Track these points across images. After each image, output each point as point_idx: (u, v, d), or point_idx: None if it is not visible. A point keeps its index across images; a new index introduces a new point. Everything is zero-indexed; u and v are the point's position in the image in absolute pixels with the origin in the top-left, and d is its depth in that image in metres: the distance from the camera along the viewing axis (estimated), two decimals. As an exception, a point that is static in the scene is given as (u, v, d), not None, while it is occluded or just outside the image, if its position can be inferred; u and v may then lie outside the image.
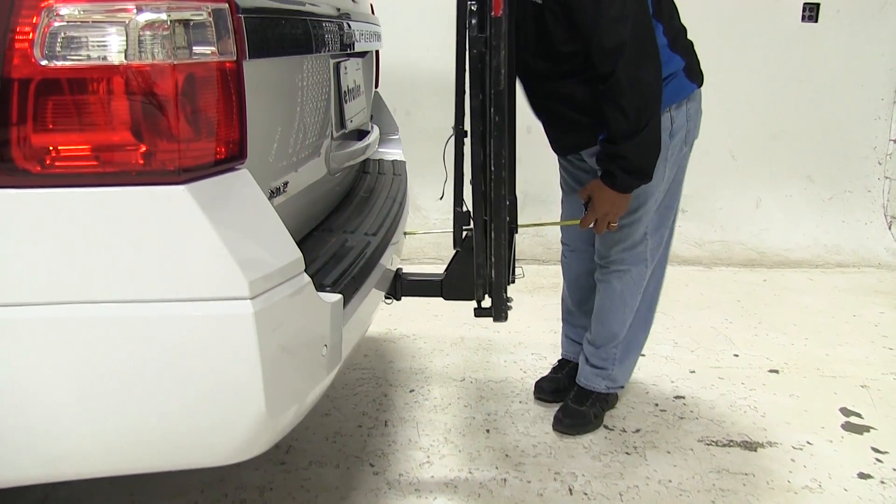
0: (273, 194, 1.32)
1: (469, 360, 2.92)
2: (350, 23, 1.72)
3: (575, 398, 2.45)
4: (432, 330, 3.17)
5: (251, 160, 1.16)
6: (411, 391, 2.66)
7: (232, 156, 1.10)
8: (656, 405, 2.60)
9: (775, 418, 2.51)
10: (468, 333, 3.14)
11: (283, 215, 1.20)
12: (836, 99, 4.41)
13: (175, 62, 0.99)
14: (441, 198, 2.22)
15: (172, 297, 1.02)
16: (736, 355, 3.03)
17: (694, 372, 2.87)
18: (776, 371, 2.89)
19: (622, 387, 2.52)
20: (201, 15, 1.03)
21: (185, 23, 1.01)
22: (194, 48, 1.03)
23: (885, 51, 4.36)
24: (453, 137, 1.58)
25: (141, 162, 1.00)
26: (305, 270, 1.20)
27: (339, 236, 1.65)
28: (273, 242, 1.12)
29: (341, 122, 1.79)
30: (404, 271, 2.07)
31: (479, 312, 1.45)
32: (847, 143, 4.48)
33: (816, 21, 4.28)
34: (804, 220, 4.51)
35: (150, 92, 0.98)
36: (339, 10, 1.65)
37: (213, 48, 1.05)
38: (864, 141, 4.49)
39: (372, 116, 2.43)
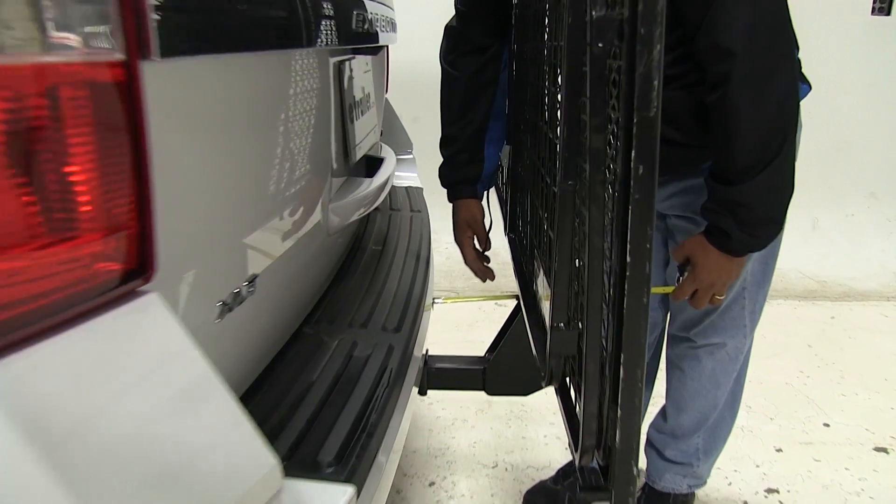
0: (227, 308, 0.72)
1: (501, 436, 2.33)
2: (365, 1, 1.12)
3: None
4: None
5: (172, 264, 0.56)
6: (431, 484, 2.07)
7: (125, 272, 0.50)
8: (746, 504, 2.02)
9: (905, 526, 1.93)
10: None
11: (245, 326, 0.61)
12: (907, 104, 3.84)
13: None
14: (484, 251, 1.63)
15: None
16: (826, 425, 2.45)
17: (781, 451, 2.29)
18: (884, 450, 2.31)
19: (706, 482, 1.94)
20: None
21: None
22: (49, 38, 0.43)
23: (964, 49, 3.79)
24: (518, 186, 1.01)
25: None
26: (284, 430, 0.62)
27: (344, 337, 1.06)
28: (219, 459, 0.52)
29: (345, 152, 1.20)
30: (431, 354, 1.50)
31: (587, 487, 0.86)
32: (917, 155, 3.91)
33: (889, 13, 3.69)
34: (868, 243, 3.94)
35: None
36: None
37: (73, 38, 0.46)
38: (937, 153, 3.92)
39: (381, 133, 1.84)
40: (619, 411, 0.76)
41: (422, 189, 2.00)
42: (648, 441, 1.92)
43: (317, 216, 1.02)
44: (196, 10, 0.58)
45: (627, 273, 0.72)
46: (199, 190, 0.69)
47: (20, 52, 0.43)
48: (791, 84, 1.30)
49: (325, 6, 0.92)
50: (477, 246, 1.70)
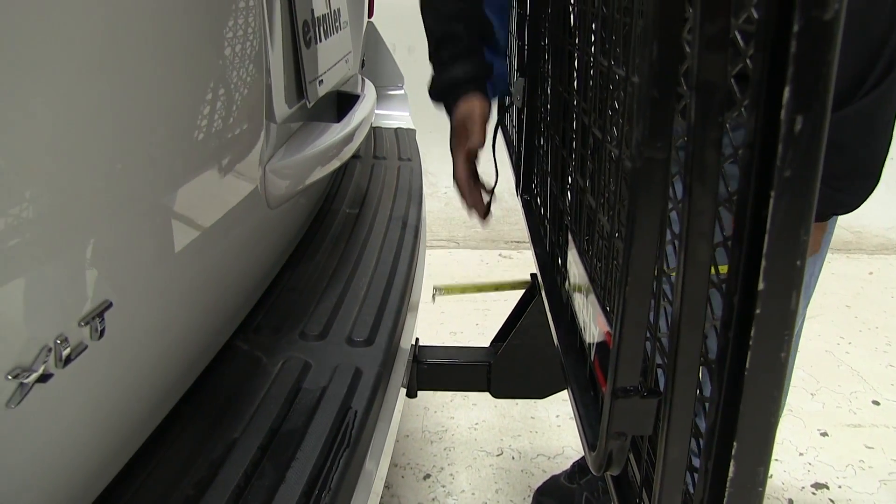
0: (30, 379, 0.40)
1: (506, 416, 2.04)
2: None
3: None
4: (450, 361, 2.28)
5: None
6: (426, 477, 1.80)
7: None
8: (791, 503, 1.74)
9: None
10: (500, 368, 2.26)
11: (90, 394, 0.31)
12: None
13: None
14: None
15: None
16: (876, 402, 2.16)
17: (827, 435, 2.00)
18: (945, 433, 2.02)
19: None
20: None
21: None
22: None
23: None
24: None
25: None
26: None
27: (292, 356, 0.74)
28: None
29: (297, 88, 0.85)
30: (423, 345, 1.19)
31: None
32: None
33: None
34: (908, 189, 3.59)
35: None
36: None
37: None
38: None
39: (363, 63, 1.48)
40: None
41: (414, 131, 1.66)
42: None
43: (245, 185, 0.69)
44: None
45: (758, 310, 0.39)
46: None
47: None
48: None
49: None
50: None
